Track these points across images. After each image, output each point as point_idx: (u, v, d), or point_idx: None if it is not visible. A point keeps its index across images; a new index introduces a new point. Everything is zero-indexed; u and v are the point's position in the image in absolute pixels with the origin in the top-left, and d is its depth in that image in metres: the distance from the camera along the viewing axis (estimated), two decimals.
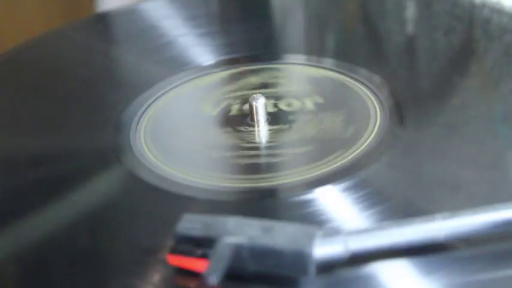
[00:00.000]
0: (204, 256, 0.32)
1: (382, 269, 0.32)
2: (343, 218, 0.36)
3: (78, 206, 0.38)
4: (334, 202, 0.37)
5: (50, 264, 0.35)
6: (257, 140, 0.42)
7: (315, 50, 0.51)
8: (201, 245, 0.32)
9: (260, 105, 0.43)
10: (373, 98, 0.44)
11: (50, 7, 0.82)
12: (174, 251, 0.32)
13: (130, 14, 0.58)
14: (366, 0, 0.57)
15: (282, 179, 0.39)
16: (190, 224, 0.33)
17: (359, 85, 0.46)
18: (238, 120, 0.44)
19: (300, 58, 0.49)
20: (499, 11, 0.50)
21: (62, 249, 0.36)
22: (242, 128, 0.43)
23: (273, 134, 0.42)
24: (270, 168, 0.40)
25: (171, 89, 0.47)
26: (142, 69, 0.50)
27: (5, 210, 0.39)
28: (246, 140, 0.42)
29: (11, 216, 0.38)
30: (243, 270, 0.32)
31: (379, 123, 0.42)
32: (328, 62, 0.48)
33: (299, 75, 0.49)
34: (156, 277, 0.33)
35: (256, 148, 0.41)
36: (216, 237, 0.32)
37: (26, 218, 0.38)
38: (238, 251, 0.31)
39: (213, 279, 0.30)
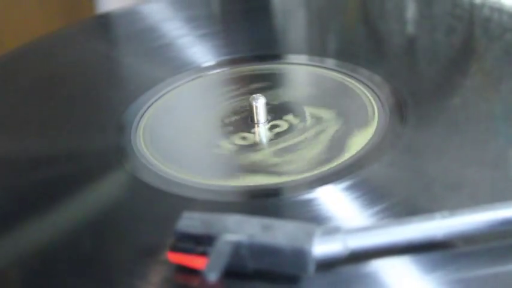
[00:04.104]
0: (204, 253, 0.32)
1: (381, 267, 0.32)
2: (344, 217, 0.36)
3: (79, 206, 0.38)
4: (336, 201, 0.37)
5: (52, 265, 0.35)
6: (257, 139, 0.42)
7: (315, 50, 0.51)
8: (201, 242, 0.32)
9: (260, 105, 0.43)
10: (373, 98, 0.44)
11: (50, 7, 0.82)
12: (174, 248, 0.32)
13: (130, 15, 0.58)
14: (366, 0, 0.57)
15: (283, 179, 0.39)
16: (190, 221, 0.33)
17: (360, 85, 0.46)
18: (239, 120, 0.44)
19: (301, 58, 0.50)
20: (499, 10, 0.50)
21: (63, 249, 0.36)
22: (242, 128, 0.43)
23: (273, 133, 0.42)
24: (270, 168, 0.40)
25: (171, 89, 0.47)
26: (143, 70, 0.50)
27: (7, 211, 0.39)
28: (246, 140, 0.42)
29: (13, 217, 0.38)
30: (243, 268, 0.32)
31: (380, 123, 0.42)
32: (329, 62, 0.48)
33: (300, 75, 0.49)
34: (157, 277, 0.33)
35: (257, 148, 0.41)
36: (216, 235, 0.32)
37: (27, 219, 0.38)
38: (237, 249, 0.31)
39: (213, 276, 0.30)
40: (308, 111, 0.44)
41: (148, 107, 0.46)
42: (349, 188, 0.37)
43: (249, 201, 0.38)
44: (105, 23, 0.59)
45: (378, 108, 0.43)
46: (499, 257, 0.32)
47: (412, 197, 0.36)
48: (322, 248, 0.31)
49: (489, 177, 0.37)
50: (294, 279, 0.31)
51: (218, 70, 0.49)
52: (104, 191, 0.40)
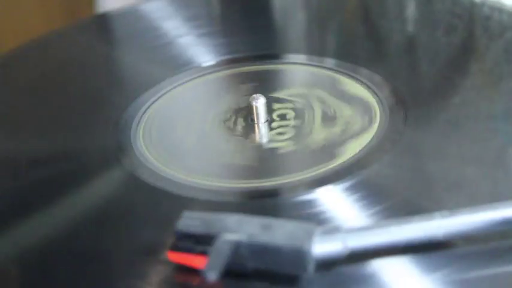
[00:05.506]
0: (203, 253, 0.32)
1: (381, 267, 0.32)
2: (344, 217, 0.36)
3: (78, 206, 0.38)
4: (336, 202, 0.37)
5: (51, 264, 0.35)
6: (257, 139, 0.42)
7: (315, 50, 0.51)
8: (201, 242, 0.32)
9: (260, 105, 0.43)
10: (374, 98, 0.44)
11: (50, 7, 0.82)
12: (174, 247, 0.32)
13: (130, 15, 0.58)
14: (366, 0, 0.57)
15: (283, 179, 0.39)
16: (190, 221, 0.33)
17: (360, 85, 0.45)
18: (238, 120, 0.44)
19: (301, 58, 0.49)
20: (499, 9, 0.50)
21: (62, 249, 0.36)
22: (242, 128, 0.43)
23: (273, 133, 0.42)
24: (270, 168, 0.40)
25: (171, 89, 0.47)
26: (143, 69, 0.50)
27: (6, 210, 0.39)
28: (246, 140, 0.42)
29: (12, 216, 0.38)
30: (242, 267, 0.32)
31: (380, 123, 0.42)
32: (329, 61, 0.48)
33: (300, 75, 0.49)
34: (156, 277, 0.33)
35: (257, 148, 0.41)
36: (216, 234, 0.32)
37: (26, 218, 0.38)
38: (237, 248, 0.31)
39: (212, 275, 0.30)
40: (308, 111, 0.44)
41: (148, 107, 0.46)
42: (349, 188, 0.37)
43: (248, 201, 0.38)
44: (105, 22, 0.59)
45: (378, 108, 0.43)
46: (499, 257, 0.32)
47: (412, 197, 0.36)
48: (321, 247, 0.31)
49: (489, 176, 0.37)
50: (293, 278, 0.31)
51: (218, 70, 0.49)
52: (104, 190, 0.40)
